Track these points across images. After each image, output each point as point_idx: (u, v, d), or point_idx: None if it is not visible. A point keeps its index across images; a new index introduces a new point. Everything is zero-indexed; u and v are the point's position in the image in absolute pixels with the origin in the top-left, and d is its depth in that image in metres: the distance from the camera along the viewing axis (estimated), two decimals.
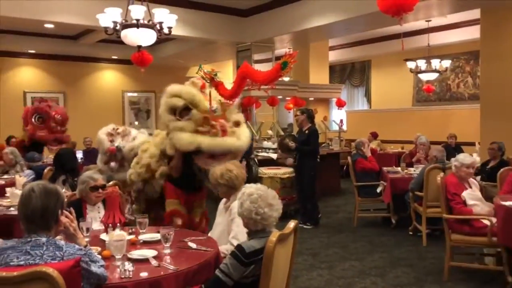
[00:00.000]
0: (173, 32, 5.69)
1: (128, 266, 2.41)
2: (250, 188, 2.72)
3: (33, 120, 6.64)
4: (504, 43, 7.26)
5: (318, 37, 9.85)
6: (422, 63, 10.20)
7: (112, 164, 5.44)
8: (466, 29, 10.25)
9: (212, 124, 3.76)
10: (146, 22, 5.26)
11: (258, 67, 6.52)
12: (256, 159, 7.50)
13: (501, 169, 5.13)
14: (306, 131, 6.56)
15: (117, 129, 5.67)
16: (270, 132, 10.28)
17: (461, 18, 9.66)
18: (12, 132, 9.63)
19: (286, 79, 10.94)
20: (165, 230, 2.78)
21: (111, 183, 4.20)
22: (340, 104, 10.84)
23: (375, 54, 13.10)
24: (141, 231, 3.10)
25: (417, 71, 10.41)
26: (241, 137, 3.88)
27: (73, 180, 5.42)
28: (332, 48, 12.47)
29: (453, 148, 8.46)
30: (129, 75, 13.14)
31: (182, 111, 3.87)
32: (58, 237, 2.19)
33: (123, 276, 2.33)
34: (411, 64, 10.33)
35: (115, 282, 2.28)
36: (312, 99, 11.07)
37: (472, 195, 4.39)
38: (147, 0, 5.45)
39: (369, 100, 14.43)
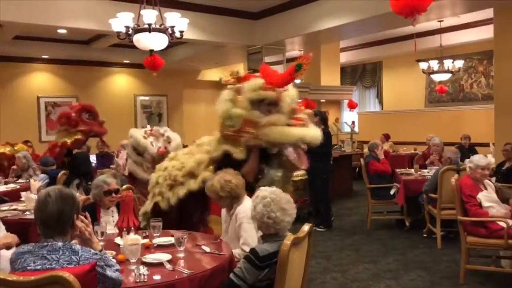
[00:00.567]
0: (185, 36, 5.71)
1: (143, 270, 2.42)
2: (264, 192, 2.71)
3: (84, 118, 6.78)
4: None
5: (329, 39, 9.82)
6: (434, 64, 10.13)
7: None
8: (478, 28, 10.14)
9: (297, 116, 3.59)
10: (158, 26, 5.29)
11: None
12: None
13: None
14: None
15: (150, 130, 5.73)
16: None
17: (474, 18, 9.56)
18: (27, 137, 9.77)
19: (298, 81, 10.94)
20: (179, 234, 2.79)
21: (124, 187, 4.24)
22: (352, 106, 10.79)
23: (387, 55, 13.03)
24: (155, 234, 3.11)
25: (429, 72, 10.34)
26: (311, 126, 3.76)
27: (87, 184, 5.48)
28: (343, 49, 12.42)
29: (467, 149, 8.37)
30: (141, 79, 13.23)
31: (268, 105, 3.58)
32: (73, 241, 2.20)
33: (138, 280, 2.34)
34: (423, 65, 10.26)
35: (130, 286, 2.30)
36: (324, 101, 11.04)
37: (487, 197, 4.34)
38: (158, 5, 5.49)
39: (380, 102, 14.34)
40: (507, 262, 4.51)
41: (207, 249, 2.85)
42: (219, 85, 4.01)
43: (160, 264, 2.59)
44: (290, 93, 3.70)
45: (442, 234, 5.57)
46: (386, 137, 11.01)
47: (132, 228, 3.04)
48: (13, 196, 5.43)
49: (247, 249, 3.02)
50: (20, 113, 11.51)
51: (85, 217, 2.35)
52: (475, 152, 7.98)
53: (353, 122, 10.41)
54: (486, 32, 9.53)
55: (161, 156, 5.31)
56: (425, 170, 6.75)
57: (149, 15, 5.16)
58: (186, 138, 10.18)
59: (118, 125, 9.80)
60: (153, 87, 13.23)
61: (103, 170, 6.44)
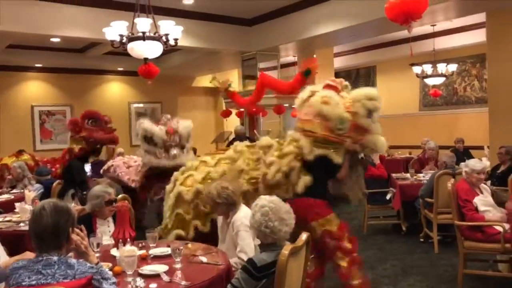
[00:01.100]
0: (179, 43, 5.69)
1: (140, 282, 2.40)
2: (263, 200, 2.70)
3: (86, 124, 6.75)
4: (510, 45, 7.21)
5: (323, 45, 9.83)
6: (428, 68, 10.16)
7: (174, 151, 5.39)
8: (471, 32, 10.18)
9: None
10: (152, 34, 5.28)
11: None
12: None
13: None
14: None
15: (158, 121, 5.67)
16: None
17: (466, 22, 9.59)
18: (21, 146, 9.69)
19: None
20: (176, 245, 2.77)
21: (120, 196, 4.20)
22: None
23: (380, 59, 13.06)
24: (151, 245, 3.09)
25: (423, 76, 10.36)
26: None
27: (82, 194, 5.43)
28: (337, 54, 12.44)
29: (461, 153, 8.39)
30: (135, 86, 13.20)
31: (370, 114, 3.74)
32: (69, 255, 2.18)
33: None
34: (417, 69, 10.28)
35: None
36: None
37: (484, 201, 4.35)
38: (152, 13, 5.48)
39: None
40: (504, 266, 4.51)
41: (204, 260, 2.83)
42: (213, 92, 4.02)
43: (156, 276, 2.57)
44: None
45: (439, 238, 5.57)
46: None
47: (128, 240, 3.01)
48: (7, 207, 5.37)
49: (244, 257, 3.01)
50: (14, 122, 11.43)
51: (81, 229, 2.33)
52: (470, 155, 8.01)
53: None
54: (478, 36, 9.58)
55: (169, 137, 5.30)
56: (420, 175, 6.77)
57: (143, 23, 5.14)
58: None
59: None
60: (148, 94, 13.20)
61: (98, 180, 6.38)
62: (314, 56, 10.26)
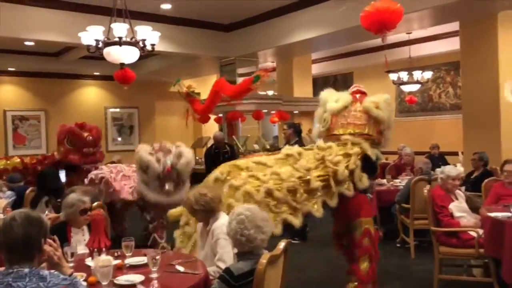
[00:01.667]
0: (156, 48, 5.64)
1: None
2: (240, 208, 2.68)
3: (65, 142, 6.57)
4: (483, 54, 7.38)
5: (301, 51, 9.90)
6: (404, 75, 10.32)
7: (167, 186, 5.09)
8: (446, 40, 10.40)
9: None
10: (129, 39, 5.22)
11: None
12: None
13: (486, 180, 5.18)
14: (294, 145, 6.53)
15: (157, 147, 5.36)
16: (256, 146, 10.25)
17: (441, 30, 9.80)
18: None
19: (270, 93, 10.98)
20: (153, 254, 2.72)
21: (95, 204, 4.11)
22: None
23: (357, 66, 13.22)
24: (127, 254, 3.03)
25: (399, 83, 10.52)
26: None
27: (57, 201, 5.28)
28: (315, 61, 12.54)
29: (436, 158, 8.53)
30: (111, 91, 13.04)
31: None
32: (41, 266, 2.11)
33: None
34: (393, 76, 10.44)
35: None
36: (297, 112, 11.09)
37: (459, 207, 4.42)
38: (129, 17, 5.42)
39: None
40: (478, 270, 4.59)
41: (181, 269, 2.79)
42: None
43: (132, 286, 2.52)
44: None
45: (415, 243, 5.64)
46: None
47: (104, 249, 2.95)
48: None
49: (222, 265, 2.97)
50: None
51: (54, 240, 2.26)
52: (445, 161, 8.14)
53: None
54: (453, 44, 9.78)
55: (165, 176, 5.03)
56: (397, 180, 6.84)
57: (120, 28, 5.08)
58: None
59: None
60: (124, 99, 13.05)
61: (73, 188, 6.23)
62: (293, 62, 10.35)
